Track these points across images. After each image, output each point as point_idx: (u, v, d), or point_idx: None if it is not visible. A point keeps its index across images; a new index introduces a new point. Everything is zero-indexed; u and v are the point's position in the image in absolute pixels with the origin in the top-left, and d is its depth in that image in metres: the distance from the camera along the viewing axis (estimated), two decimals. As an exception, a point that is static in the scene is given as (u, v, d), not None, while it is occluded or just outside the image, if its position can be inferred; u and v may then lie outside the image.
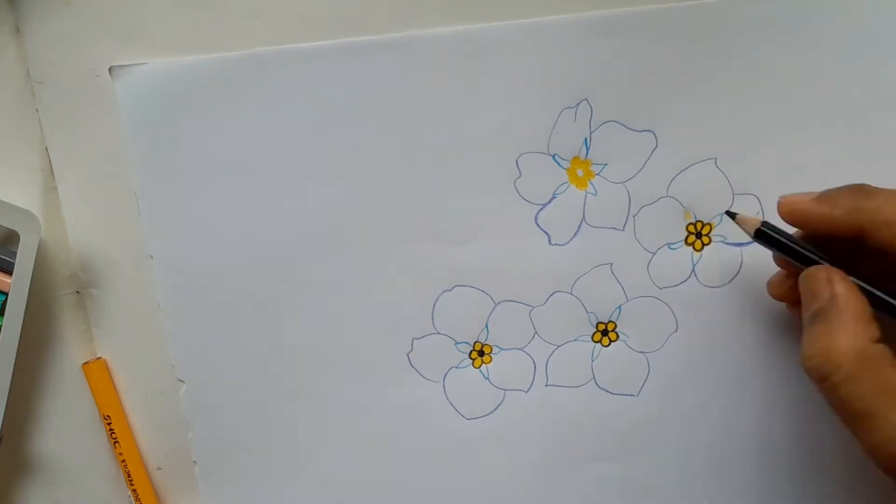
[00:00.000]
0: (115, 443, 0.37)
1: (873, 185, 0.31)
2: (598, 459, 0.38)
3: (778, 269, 0.34)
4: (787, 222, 0.32)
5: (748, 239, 0.37)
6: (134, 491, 0.38)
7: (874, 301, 0.29)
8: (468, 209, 0.37)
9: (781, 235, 0.32)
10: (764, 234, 0.32)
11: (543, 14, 0.35)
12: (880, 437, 0.27)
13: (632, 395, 0.38)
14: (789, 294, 0.33)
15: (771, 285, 0.35)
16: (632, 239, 0.37)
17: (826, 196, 0.31)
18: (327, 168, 0.36)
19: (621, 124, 0.36)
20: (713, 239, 0.37)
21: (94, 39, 0.35)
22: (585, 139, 0.36)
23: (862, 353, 0.27)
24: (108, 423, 0.37)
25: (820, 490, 0.38)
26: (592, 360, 0.38)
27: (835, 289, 0.29)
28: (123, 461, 0.37)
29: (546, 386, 0.38)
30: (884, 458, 0.27)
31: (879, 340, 0.28)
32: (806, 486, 0.38)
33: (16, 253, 0.34)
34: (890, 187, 0.34)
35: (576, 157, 0.36)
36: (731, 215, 0.34)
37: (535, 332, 0.38)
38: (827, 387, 0.28)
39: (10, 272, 0.34)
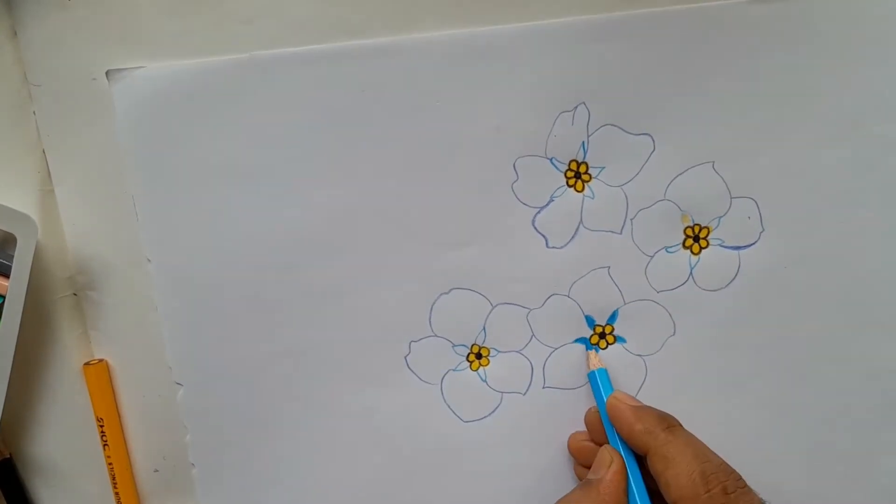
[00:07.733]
0: (104, 445, 0.37)
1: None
2: (595, 462, 0.38)
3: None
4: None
5: (746, 242, 0.37)
6: (117, 494, 0.38)
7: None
8: (466, 212, 0.36)
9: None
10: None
11: (540, 18, 0.35)
12: None
13: (629, 397, 0.38)
14: (583, 453, 0.37)
15: (571, 439, 0.37)
16: (629, 242, 0.37)
17: (642, 410, 0.34)
18: (324, 172, 0.36)
19: (619, 128, 0.36)
20: (711, 242, 0.37)
21: (91, 43, 0.35)
22: (583, 142, 0.36)
23: None
24: (101, 426, 0.37)
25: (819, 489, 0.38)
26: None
27: (606, 473, 0.33)
28: (110, 464, 0.37)
29: (543, 388, 0.38)
30: None
31: None
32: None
33: (13, 256, 0.34)
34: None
35: (573, 161, 0.36)
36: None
37: (533, 335, 0.37)
38: None
39: (7, 275, 0.34)
